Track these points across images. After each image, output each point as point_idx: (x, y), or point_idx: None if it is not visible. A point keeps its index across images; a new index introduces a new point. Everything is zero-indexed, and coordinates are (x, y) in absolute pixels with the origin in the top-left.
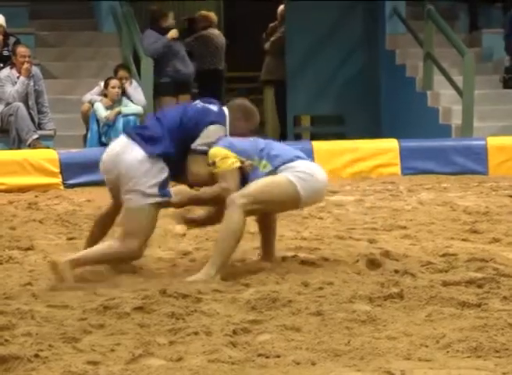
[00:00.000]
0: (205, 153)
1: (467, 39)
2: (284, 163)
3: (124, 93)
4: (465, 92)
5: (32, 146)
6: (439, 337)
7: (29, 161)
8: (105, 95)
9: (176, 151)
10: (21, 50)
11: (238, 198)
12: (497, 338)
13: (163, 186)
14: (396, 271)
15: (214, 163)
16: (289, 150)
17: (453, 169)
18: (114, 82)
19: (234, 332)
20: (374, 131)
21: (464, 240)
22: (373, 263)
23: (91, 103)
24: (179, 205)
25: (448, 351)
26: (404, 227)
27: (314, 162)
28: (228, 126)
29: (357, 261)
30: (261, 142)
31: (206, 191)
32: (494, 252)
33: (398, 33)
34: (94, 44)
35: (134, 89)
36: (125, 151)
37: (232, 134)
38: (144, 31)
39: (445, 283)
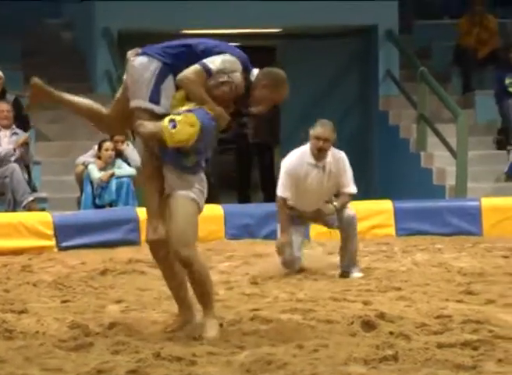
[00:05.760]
0: (208, 71)
1: (460, 100)
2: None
3: (118, 155)
4: (459, 153)
5: (27, 208)
6: None
7: (23, 223)
8: (99, 157)
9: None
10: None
11: (186, 253)
12: None
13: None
14: (391, 333)
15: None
16: None
17: (448, 229)
18: (107, 144)
19: None
20: (368, 192)
21: (458, 301)
22: (368, 325)
23: (85, 165)
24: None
25: None
26: (399, 289)
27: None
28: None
29: (352, 323)
30: None
31: None
32: (489, 314)
33: (391, 94)
34: None
35: (131, 150)
36: None
37: (252, 98)
38: None
39: (440, 345)
